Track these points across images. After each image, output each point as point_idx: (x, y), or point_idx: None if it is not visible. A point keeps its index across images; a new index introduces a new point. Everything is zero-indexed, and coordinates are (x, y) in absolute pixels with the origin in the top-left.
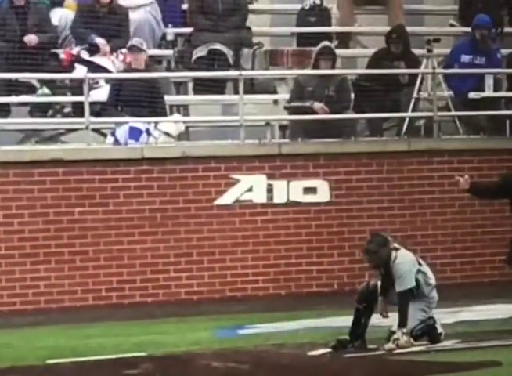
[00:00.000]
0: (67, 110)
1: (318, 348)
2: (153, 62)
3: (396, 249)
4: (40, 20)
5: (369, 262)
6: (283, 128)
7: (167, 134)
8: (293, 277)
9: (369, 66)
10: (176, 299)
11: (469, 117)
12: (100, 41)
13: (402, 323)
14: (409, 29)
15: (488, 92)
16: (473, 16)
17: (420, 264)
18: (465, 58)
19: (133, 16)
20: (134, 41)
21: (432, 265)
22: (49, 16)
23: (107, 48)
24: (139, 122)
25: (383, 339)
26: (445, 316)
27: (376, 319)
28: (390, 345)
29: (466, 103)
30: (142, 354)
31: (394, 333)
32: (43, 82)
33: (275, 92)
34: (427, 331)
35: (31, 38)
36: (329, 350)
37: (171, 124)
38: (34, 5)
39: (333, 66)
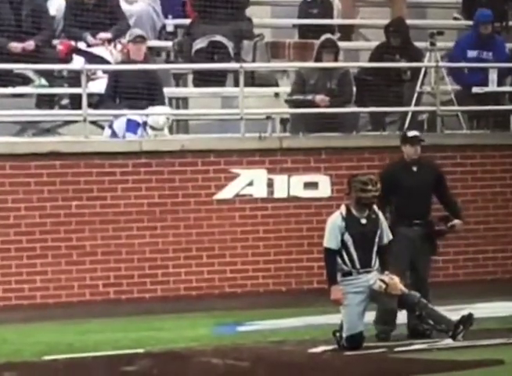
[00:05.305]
0: (65, 101)
1: (318, 345)
2: (153, 53)
3: None
4: (35, 12)
5: (377, 191)
6: (284, 121)
7: (152, 127)
8: (293, 273)
9: (370, 60)
10: (175, 295)
11: (476, 111)
12: (96, 40)
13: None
14: (412, 22)
15: (492, 87)
16: (476, 10)
17: None
18: (472, 53)
19: (133, 7)
20: (137, 31)
21: (435, 262)
22: (46, 8)
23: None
24: (137, 115)
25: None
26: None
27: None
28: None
29: (471, 97)
30: (140, 350)
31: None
32: (40, 73)
33: (276, 84)
34: None
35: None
36: (329, 347)
37: (154, 116)
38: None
39: (335, 60)
